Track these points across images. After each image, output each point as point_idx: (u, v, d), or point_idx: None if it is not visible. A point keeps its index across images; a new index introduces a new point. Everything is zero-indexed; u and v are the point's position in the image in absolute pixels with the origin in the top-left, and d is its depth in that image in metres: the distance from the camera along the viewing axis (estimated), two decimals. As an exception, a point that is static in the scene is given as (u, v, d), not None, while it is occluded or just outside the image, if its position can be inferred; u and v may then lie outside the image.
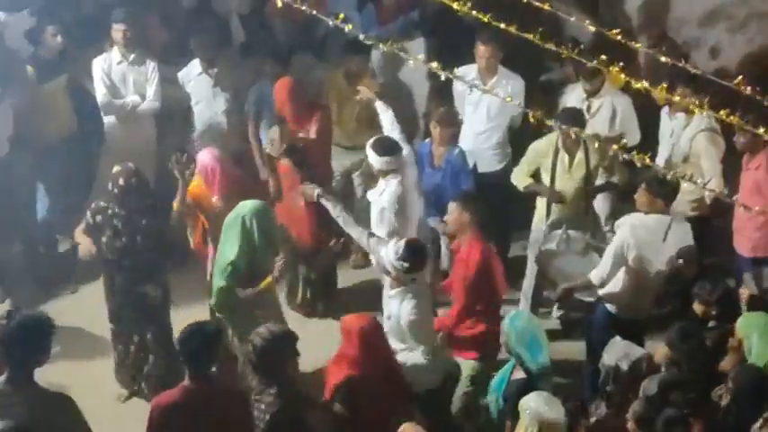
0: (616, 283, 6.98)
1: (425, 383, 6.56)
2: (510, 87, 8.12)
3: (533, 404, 5.50)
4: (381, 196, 7.29)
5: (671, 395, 5.66)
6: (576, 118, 7.46)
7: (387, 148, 7.28)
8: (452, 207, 7.06)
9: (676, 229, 6.92)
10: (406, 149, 7.44)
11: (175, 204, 7.39)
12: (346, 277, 8.64)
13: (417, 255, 6.45)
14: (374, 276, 7.88)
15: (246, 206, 6.90)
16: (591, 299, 7.26)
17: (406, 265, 6.39)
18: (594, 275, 6.97)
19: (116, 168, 7.06)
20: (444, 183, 8.02)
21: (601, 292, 7.07)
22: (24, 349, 5.27)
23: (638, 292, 6.98)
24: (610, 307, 7.07)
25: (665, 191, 6.84)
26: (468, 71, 8.14)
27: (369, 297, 7.69)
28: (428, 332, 6.70)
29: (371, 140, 7.40)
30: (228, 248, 6.85)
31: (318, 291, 8.35)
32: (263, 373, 5.78)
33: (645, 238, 6.84)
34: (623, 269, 6.91)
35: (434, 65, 4.96)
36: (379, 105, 7.85)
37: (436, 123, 8.07)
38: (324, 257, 8.14)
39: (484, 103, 8.30)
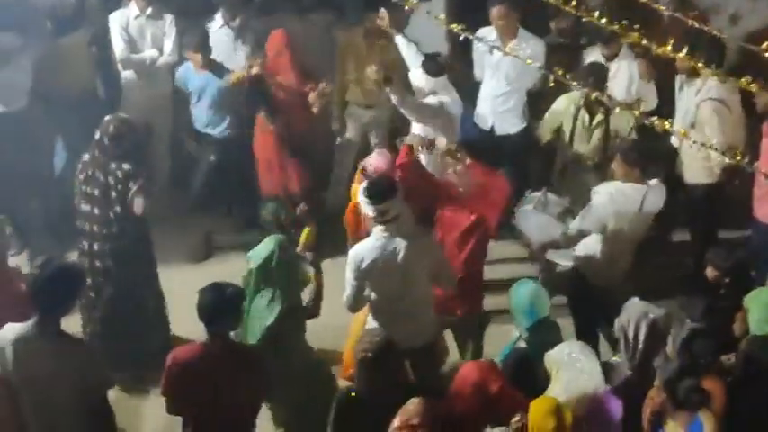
0: (590, 248, 6.95)
1: None
2: (530, 50, 8.03)
3: (561, 354, 5.39)
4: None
5: (695, 344, 5.66)
6: (598, 74, 7.50)
7: (439, 68, 7.67)
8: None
9: (651, 197, 6.88)
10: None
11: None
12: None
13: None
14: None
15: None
16: (568, 263, 7.23)
17: None
18: (572, 227, 6.96)
19: (107, 117, 7.05)
20: None
21: (576, 253, 7.05)
22: (55, 297, 5.38)
23: (611, 261, 6.93)
24: (585, 270, 7.01)
25: (641, 160, 6.83)
26: (488, 33, 8.10)
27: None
28: None
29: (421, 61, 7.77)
30: None
31: None
32: None
33: (622, 207, 6.80)
34: (599, 237, 6.88)
35: (455, 26, 4.92)
36: (400, 40, 7.98)
37: None
38: None
39: (503, 66, 8.24)
